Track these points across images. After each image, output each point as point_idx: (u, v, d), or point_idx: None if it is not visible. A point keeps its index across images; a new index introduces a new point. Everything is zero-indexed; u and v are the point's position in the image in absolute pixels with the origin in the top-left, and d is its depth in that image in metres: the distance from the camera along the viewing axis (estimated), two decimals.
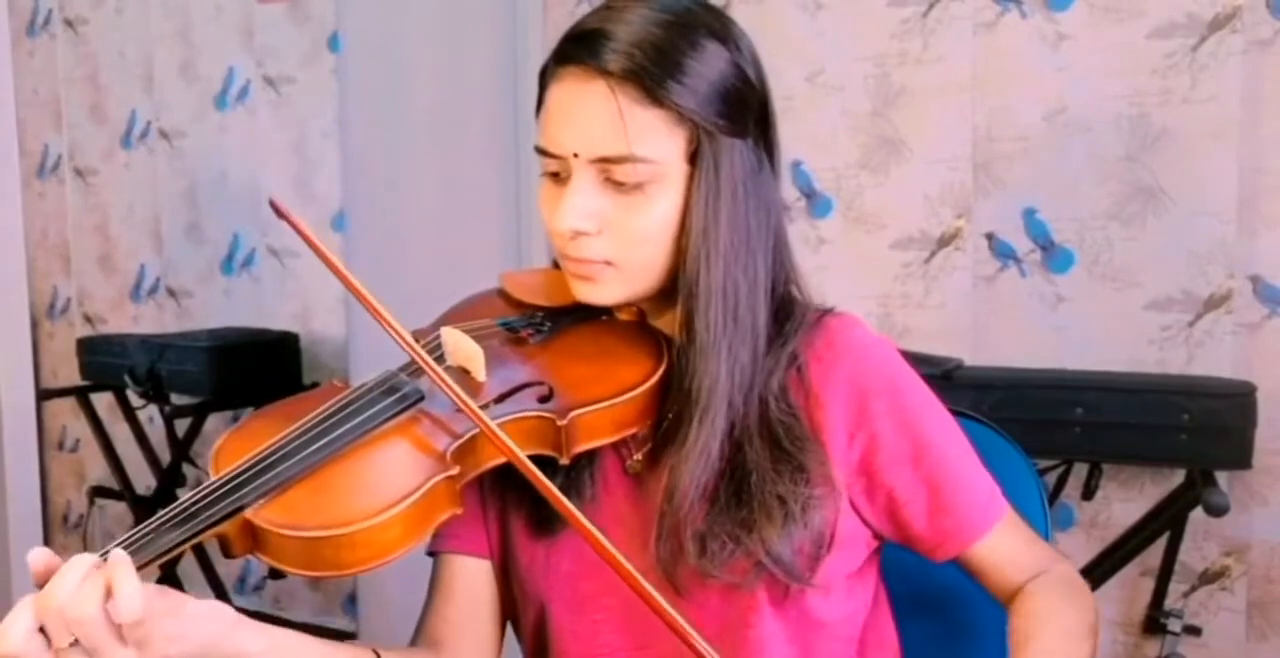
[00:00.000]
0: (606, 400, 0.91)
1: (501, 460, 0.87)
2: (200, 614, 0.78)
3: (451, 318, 1.03)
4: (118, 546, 0.76)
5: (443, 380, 0.85)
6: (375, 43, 2.49)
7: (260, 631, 0.83)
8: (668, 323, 0.98)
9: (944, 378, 2.09)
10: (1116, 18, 2.21)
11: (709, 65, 0.91)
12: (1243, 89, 2.12)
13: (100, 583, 0.72)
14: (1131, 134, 2.21)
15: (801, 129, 2.49)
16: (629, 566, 0.78)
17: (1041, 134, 2.30)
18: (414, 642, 1.03)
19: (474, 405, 0.84)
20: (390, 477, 0.82)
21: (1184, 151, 2.17)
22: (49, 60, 3.80)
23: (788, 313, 0.98)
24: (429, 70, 2.46)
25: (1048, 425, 2.03)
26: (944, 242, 2.42)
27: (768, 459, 0.93)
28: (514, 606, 1.05)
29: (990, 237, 2.37)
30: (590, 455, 0.97)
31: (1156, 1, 2.18)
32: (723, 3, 2.56)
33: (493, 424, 0.84)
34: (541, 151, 0.94)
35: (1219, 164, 2.15)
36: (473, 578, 1.04)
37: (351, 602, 3.15)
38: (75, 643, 0.72)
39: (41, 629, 0.72)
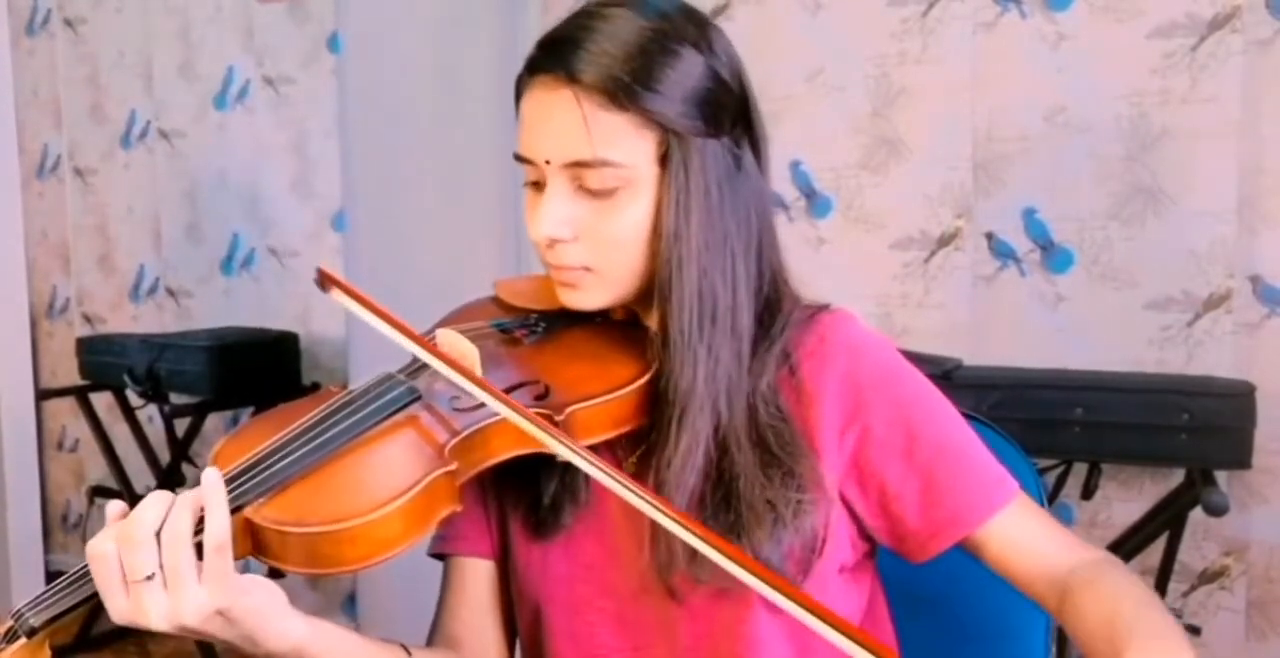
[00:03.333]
0: (601, 396, 0.92)
1: (501, 458, 0.88)
2: (262, 582, 0.80)
3: (446, 324, 1.04)
4: None
5: (449, 363, 0.86)
6: (375, 43, 2.49)
7: (305, 618, 0.84)
8: (658, 323, 0.98)
9: (943, 378, 2.09)
10: (1116, 18, 2.21)
11: (679, 69, 0.91)
12: (1243, 89, 2.12)
13: (189, 507, 0.77)
14: (1131, 134, 2.21)
15: (801, 129, 2.49)
16: (664, 508, 0.76)
17: (1041, 134, 2.30)
18: (430, 642, 1.04)
19: (494, 387, 0.85)
20: (389, 473, 0.82)
21: (1184, 151, 2.17)
22: (49, 60, 3.80)
23: (774, 313, 0.98)
24: (429, 70, 2.45)
25: (1048, 425, 2.03)
26: (944, 241, 2.42)
27: (756, 464, 0.92)
28: (512, 606, 1.05)
29: (990, 236, 2.37)
30: None
31: (1156, 1, 2.18)
32: (723, 3, 2.57)
33: (511, 400, 0.84)
34: (519, 159, 0.96)
35: (1219, 164, 2.15)
36: (482, 579, 1.05)
37: (351, 602, 3.15)
38: (150, 577, 0.75)
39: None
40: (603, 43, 0.90)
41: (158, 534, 0.76)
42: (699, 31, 0.94)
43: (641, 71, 0.90)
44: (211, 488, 0.77)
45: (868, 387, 0.96)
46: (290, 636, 0.82)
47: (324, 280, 0.90)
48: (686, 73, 0.91)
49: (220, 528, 0.76)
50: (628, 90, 0.89)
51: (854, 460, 0.96)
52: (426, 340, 0.90)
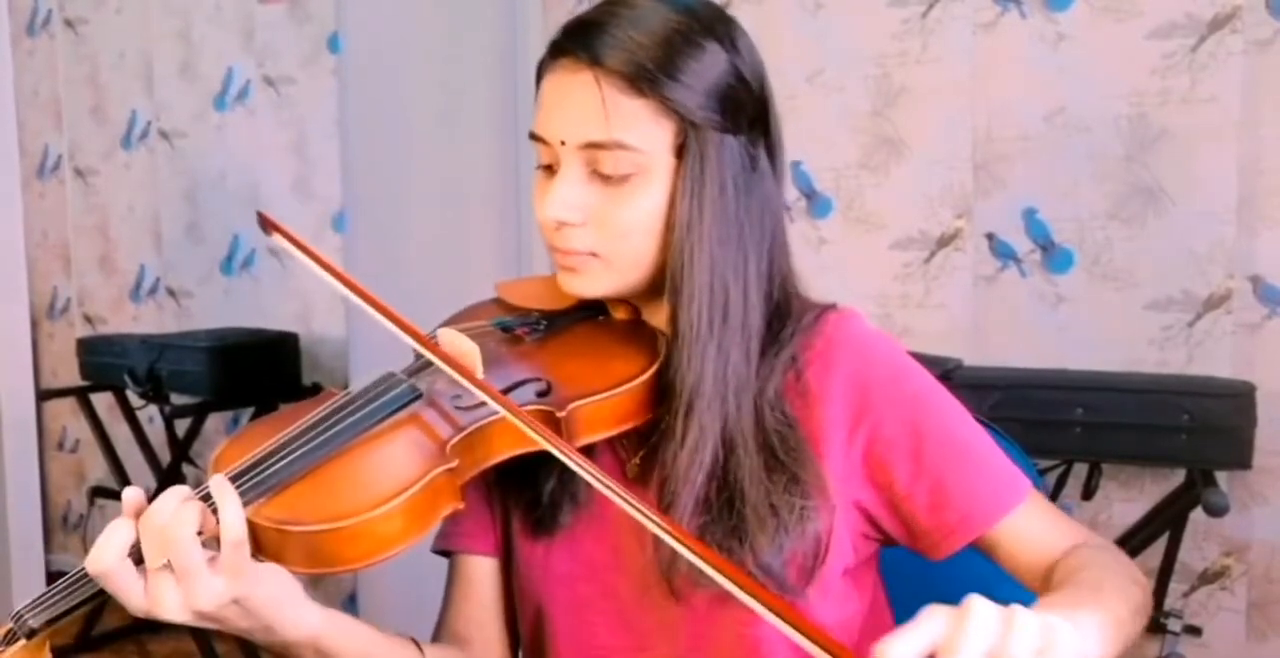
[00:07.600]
0: (604, 392, 0.91)
1: (503, 456, 0.88)
2: (278, 571, 0.81)
3: (447, 325, 1.04)
4: None
5: (447, 360, 0.86)
6: (375, 43, 2.49)
7: (321, 608, 0.86)
8: (663, 320, 0.98)
9: (943, 378, 2.07)
10: (1116, 18, 2.21)
11: (702, 62, 0.91)
12: (1243, 89, 2.12)
13: (197, 508, 0.77)
14: (1131, 134, 2.21)
15: (801, 129, 2.49)
16: (663, 523, 0.76)
17: (1041, 134, 2.30)
18: (435, 639, 1.04)
19: (487, 383, 0.85)
20: (390, 470, 0.82)
21: (1184, 151, 2.17)
22: (49, 60, 3.80)
23: (783, 318, 0.97)
24: (429, 70, 2.46)
25: (1048, 425, 2.03)
26: (944, 242, 2.42)
27: (761, 467, 0.92)
28: (514, 605, 1.05)
29: (990, 237, 2.37)
30: (587, 458, 0.97)
31: (1156, 1, 2.18)
32: (723, 2, 2.57)
33: (507, 400, 0.84)
34: (533, 137, 0.96)
35: (1219, 164, 2.14)
36: (486, 577, 1.05)
37: (351, 602, 3.15)
38: (166, 566, 0.76)
39: (134, 553, 0.77)
40: (629, 29, 0.91)
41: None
42: (725, 29, 0.95)
43: (665, 60, 0.90)
44: (220, 487, 0.78)
45: (875, 387, 0.95)
46: (305, 624, 0.84)
47: (265, 225, 0.91)
48: (709, 66, 0.92)
49: (235, 523, 0.76)
50: (649, 77, 0.90)
51: (863, 461, 0.95)
52: (386, 306, 0.89)
